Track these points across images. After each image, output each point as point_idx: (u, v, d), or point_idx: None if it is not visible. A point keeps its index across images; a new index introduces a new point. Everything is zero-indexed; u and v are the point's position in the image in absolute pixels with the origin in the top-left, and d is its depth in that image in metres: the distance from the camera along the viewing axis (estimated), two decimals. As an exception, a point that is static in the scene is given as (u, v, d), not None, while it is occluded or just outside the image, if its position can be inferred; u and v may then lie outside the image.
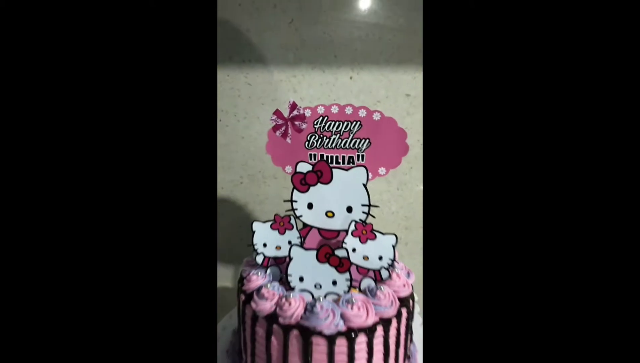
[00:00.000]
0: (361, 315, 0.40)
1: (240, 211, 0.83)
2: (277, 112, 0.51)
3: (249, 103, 0.77)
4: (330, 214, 0.48)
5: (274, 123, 0.51)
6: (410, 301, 0.45)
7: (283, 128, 0.51)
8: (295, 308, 0.41)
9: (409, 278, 0.48)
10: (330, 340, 0.40)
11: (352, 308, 0.40)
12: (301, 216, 0.49)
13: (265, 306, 0.42)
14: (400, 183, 0.81)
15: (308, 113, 0.50)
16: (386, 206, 0.82)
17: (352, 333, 0.40)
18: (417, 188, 0.81)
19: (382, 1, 0.72)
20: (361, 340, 0.40)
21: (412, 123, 0.77)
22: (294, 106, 0.50)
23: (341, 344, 0.40)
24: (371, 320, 0.41)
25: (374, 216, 0.47)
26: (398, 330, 0.43)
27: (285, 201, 0.49)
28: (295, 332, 0.40)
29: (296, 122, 0.51)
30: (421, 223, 0.84)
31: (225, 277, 0.86)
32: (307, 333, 0.40)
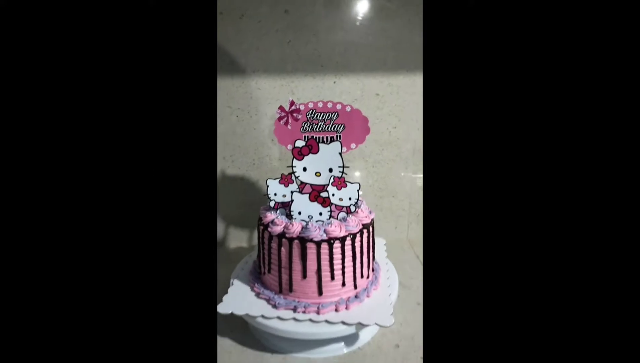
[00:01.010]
0: (336, 230, 0.63)
1: (254, 186, 1.02)
2: (281, 108, 0.67)
3: (259, 103, 0.96)
4: (318, 174, 0.67)
5: (279, 115, 0.67)
6: (370, 227, 0.69)
7: (285, 118, 0.68)
8: (296, 227, 0.63)
9: (370, 214, 0.71)
10: (318, 244, 0.62)
11: (331, 226, 0.63)
12: (299, 176, 0.67)
13: (278, 228, 0.65)
14: (375, 161, 1.01)
15: (302, 108, 0.67)
16: (365, 180, 1.02)
17: (331, 240, 0.62)
18: (387, 166, 1.02)
19: (356, 26, 0.92)
20: (337, 246, 0.62)
21: (382, 115, 0.98)
22: (292, 103, 0.67)
23: (324, 247, 0.62)
24: (343, 233, 0.63)
25: (346, 174, 0.69)
26: (361, 242, 0.65)
27: (288, 166, 0.70)
28: (296, 241, 0.63)
29: (294, 114, 0.67)
30: (392, 193, 1.05)
31: (241, 238, 1.06)
32: (303, 241, 0.62)
